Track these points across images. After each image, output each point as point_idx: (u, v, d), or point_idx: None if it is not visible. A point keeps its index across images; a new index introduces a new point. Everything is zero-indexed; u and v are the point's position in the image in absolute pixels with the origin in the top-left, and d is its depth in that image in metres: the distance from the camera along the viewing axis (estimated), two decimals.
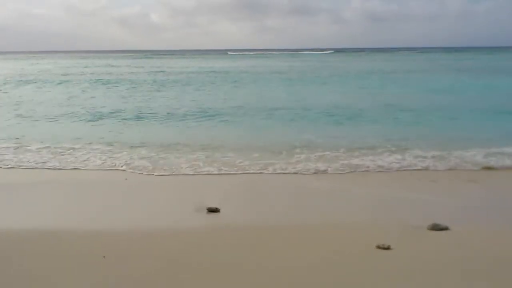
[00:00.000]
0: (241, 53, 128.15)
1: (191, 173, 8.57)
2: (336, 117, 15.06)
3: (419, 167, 8.72)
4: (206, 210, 6.22)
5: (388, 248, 4.80)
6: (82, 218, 6.09)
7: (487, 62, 51.89)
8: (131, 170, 8.79)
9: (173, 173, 8.57)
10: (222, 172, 8.58)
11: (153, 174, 8.53)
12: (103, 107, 18.36)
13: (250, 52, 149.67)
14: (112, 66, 56.19)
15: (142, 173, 8.59)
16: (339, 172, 8.55)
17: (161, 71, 43.18)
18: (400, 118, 14.75)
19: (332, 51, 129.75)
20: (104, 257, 4.63)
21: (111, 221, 6.01)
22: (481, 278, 4.19)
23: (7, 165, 9.28)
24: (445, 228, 5.42)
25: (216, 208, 6.24)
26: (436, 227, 5.42)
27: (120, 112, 16.99)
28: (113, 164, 9.27)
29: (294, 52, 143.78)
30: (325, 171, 8.57)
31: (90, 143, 11.20)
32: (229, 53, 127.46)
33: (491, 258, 4.61)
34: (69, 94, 23.71)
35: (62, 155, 10.08)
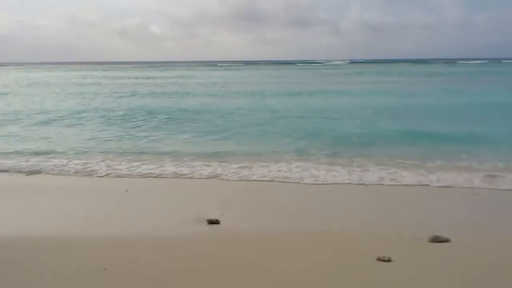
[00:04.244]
0: (232, 64, 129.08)
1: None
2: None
3: (420, 180, 8.70)
4: (206, 222, 6.21)
5: (388, 260, 4.79)
6: (81, 227, 6.06)
7: None
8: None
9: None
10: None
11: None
12: None
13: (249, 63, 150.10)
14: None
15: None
16: (340, 182, 8.57)
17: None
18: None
19: (348, 62, 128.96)
20: (104, 269, 4.60)
21: (112, 230, 5.99)
22: None
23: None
24: (446, 240, 5.40)
25: (217, 220, 6.23)
26: (437, 239, 5.41)
27: None
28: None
29: (303, 63, 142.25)
30: (324, 181, 8.58)
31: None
32: (218, 64, 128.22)
33: (493, 270, 4.59)
34: None
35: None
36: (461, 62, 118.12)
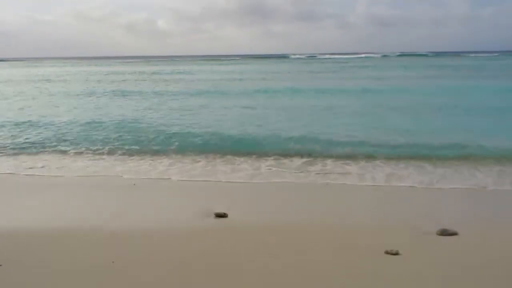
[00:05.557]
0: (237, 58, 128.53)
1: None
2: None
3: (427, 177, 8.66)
4: (214, 215, 6.23)
5: (396, 253, 4.79)
6: (91, 222, 6.10)
7: None
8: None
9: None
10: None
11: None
12: None
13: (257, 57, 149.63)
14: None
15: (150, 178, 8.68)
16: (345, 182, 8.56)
17: None
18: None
19: (356, 57, 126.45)
20: (113, 262, 4.64)
21: (119, 224, 6.03)
22: (491, 283, 4.17)
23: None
24: (454, 233, 5.39)
25: (224, 214, 6.25)
26: (445, 232, 5.40)
27: None
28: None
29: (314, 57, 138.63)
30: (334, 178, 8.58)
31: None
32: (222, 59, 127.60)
33: (501, 263, 4.58)
34: None
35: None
36: (472, 55, 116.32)
